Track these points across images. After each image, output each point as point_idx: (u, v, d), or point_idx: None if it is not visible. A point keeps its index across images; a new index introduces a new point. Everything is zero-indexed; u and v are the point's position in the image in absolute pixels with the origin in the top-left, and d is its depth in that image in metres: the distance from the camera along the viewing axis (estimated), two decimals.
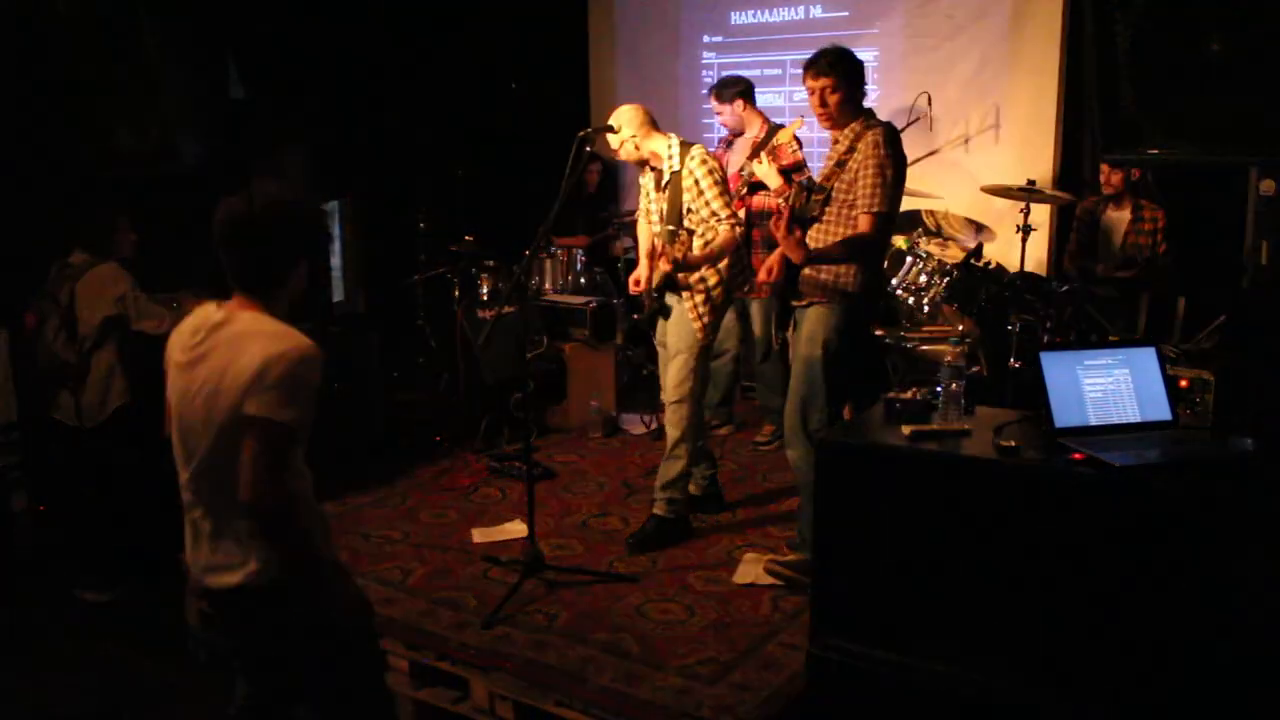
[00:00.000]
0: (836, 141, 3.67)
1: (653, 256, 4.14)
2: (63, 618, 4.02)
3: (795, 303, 3.71)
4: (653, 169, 4.13)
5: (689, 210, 3.99)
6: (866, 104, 3.68)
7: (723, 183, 4.00)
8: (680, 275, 3.99)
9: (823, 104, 3.59)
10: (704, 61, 6.53)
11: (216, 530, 2.18)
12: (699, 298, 4.01)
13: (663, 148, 4.05)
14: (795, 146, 4.96)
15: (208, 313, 2.20)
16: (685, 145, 4.03)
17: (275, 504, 2.07)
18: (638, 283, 4.20)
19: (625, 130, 4.03)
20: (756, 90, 5.28)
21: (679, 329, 4.06)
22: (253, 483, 2.05)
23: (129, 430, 4.08)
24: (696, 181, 3.96)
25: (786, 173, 4.77)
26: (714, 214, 3.95)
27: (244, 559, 2.15)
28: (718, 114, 5.28)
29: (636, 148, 4.06)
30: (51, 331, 4.08)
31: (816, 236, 3.64)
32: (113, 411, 4.09)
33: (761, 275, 3.73)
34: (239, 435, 2.08)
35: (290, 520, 2.13)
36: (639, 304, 4.31)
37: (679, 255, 3.93)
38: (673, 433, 4.11)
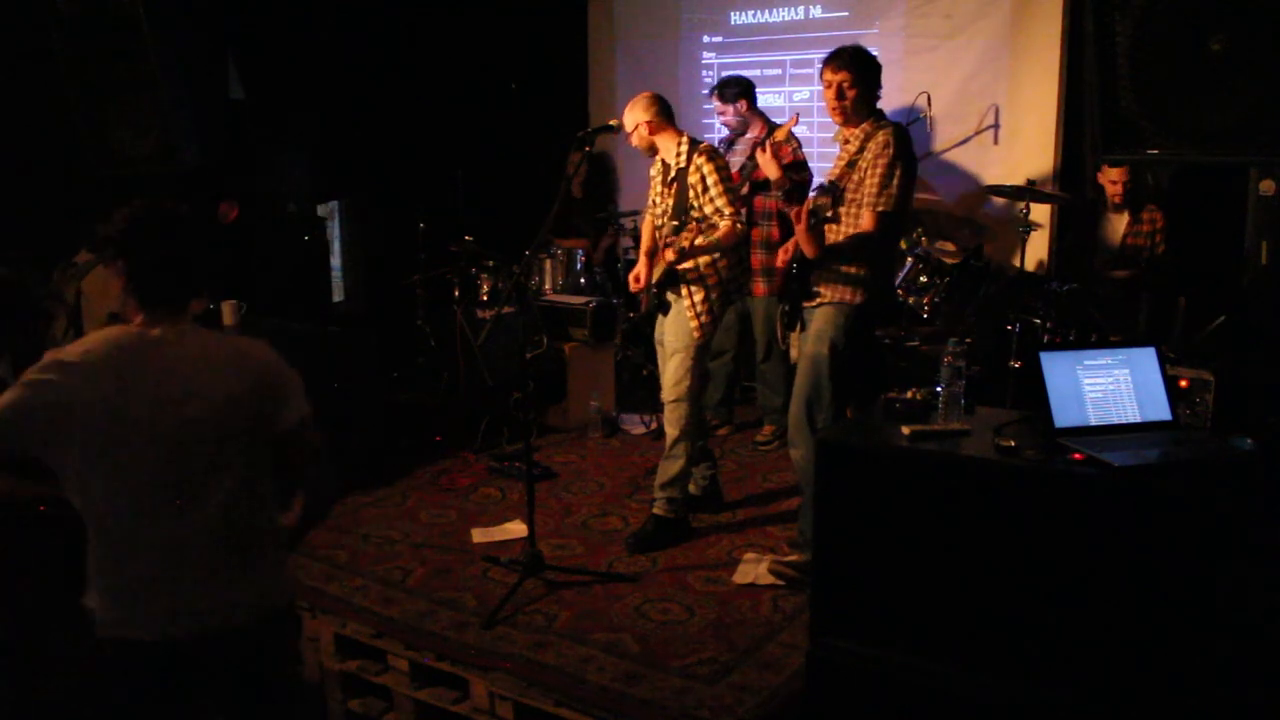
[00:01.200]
0: (847, 141, 3.69)
1: (651, 254, 4.15)
2: (63, 620, 4.01)
3: (806, 303, 3.72)
4: (663, 161, 4.13)
5: (693, 208, 3.99)
6: None
7: (728, 180, 4.01)
8: (681, 268, 3.99)
9: (839, 96, 3.60)
10: (704, 61, 6.53)
11: (230, 563, 2.05)
12: (698, 296, 4.00)
13: (672, 142, 4.06)
14: (796, 145, 4.97)
15: (132, 334, 2.06)
16: (695, 143, 4.04)
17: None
18: (637, 279, 4.19)
19: (640, 115, 4.04)
20: (756, 90, 5.28)
21: (676, 327, 4.06)
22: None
23: None
24: (703, 178, 3.96)
25: (786, 169, 4.78)
26: (717, 211, 3.95)
27: (267, 585, 2.08)
28: (720, 114, 5.28)
29: (649, 132, 4.06)
30: (59, 330, 4.08)
31: (828, 236, 3.66)
32: None
33: (780, 258, 3.83)
34: (262, 449, 2.04)
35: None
36: (637, 302, 4.30)
37: (685, 244, 3.93)
38: (671, 431, 4.11)
